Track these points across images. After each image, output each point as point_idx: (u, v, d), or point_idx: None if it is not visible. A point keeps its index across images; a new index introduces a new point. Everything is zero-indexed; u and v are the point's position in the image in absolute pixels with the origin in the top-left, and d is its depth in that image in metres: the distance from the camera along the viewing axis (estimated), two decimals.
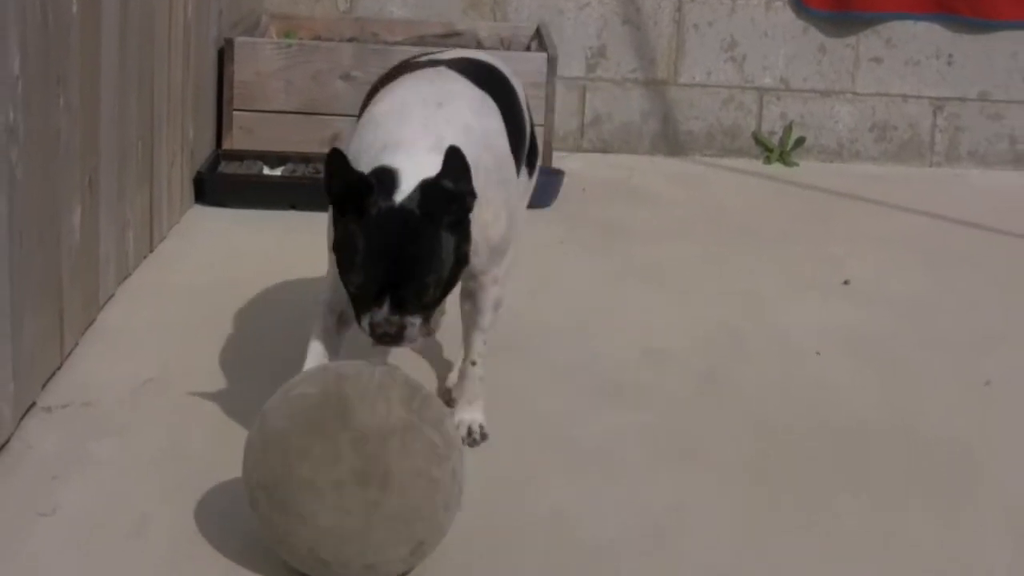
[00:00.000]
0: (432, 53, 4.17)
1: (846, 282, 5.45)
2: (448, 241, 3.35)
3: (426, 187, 3.31)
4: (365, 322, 3.35)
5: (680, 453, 3.89)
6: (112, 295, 4.73)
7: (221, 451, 3.66)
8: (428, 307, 3.37)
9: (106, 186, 4.62)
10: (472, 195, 3.33)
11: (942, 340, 4.89)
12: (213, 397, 3.99)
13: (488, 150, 3.56)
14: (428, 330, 3.42)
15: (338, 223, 3.38)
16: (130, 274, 4.97)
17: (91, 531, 3.33)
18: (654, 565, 3.27)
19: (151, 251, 5.29)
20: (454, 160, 3.28)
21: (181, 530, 3.32)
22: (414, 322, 3.35)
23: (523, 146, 3.92)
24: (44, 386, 3.95)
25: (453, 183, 3.30)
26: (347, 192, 3.32)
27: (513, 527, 3.36)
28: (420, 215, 3.30)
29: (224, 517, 3.36)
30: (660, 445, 3.92)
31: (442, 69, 3.79)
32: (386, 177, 3.36)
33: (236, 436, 3.72)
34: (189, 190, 6.01)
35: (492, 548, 3.26)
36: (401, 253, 3.30)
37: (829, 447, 3.95)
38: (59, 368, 4.08)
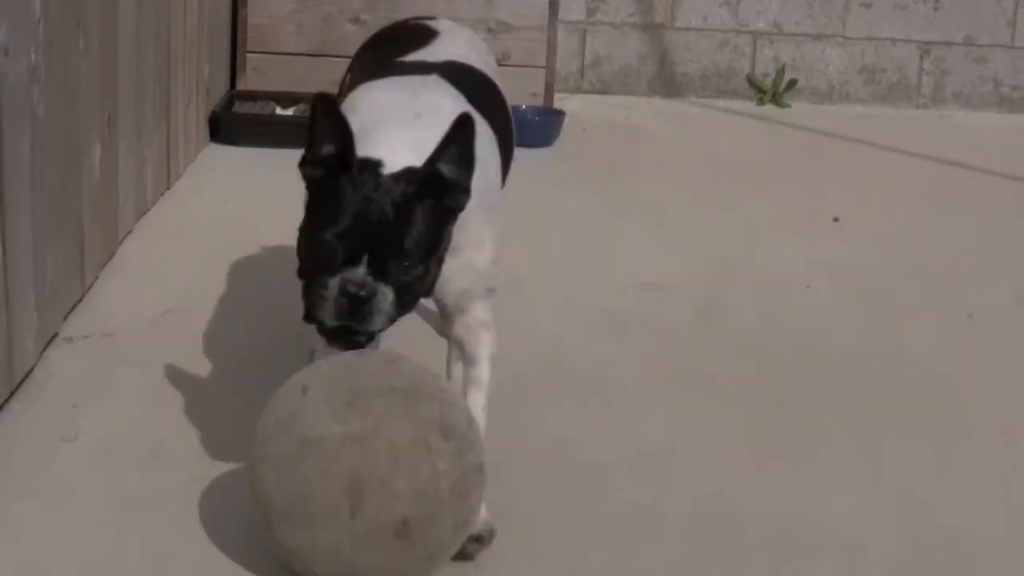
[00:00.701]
0: (424, 21, 3.78)
1: (836, 219, 5.45)
2: (435, 226, 2.92)
3: (423, 168, 2.89)
4: (335, 284, 2.85)
5: (676, 380, 3.89)
6: (131, 230, 4.73)
7: (237, 379, 3.69)
8: (403, 286, 2.87)
9: (125, 125, 4.61)
10: (467, 192, 2.92)
11: (926, 273, 4.90)
12: (228, 327, 4.00)
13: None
14: (392, 322, 2.90)
15: (318, 180, 2.98)
16: (148, 210, 4.97)
17: (111, 456, 3.34)
18: (651, 487, 3.28)
19: (168, 188, 5.29)
20: (460, 138, 2.90)
21: (198, 456, 3.33)
22: (387, 294, 2.85)
23: (508, 167, 3.46)
24: (66, 318, 3.95)
25: (452, 171, 2.91)
26: (339, 149, 2.92)
27: (515, 452, 3.36)
28: (412, 191, 2.87)
29: (239, 444, 3.37)
30: (657, 373, 3.92)
31: (433, 78, 3.26)
32: (371, 161, 2.93)
33: (251, 364, 3.75)
34: (204, 129, 6.01)
35: (495, 471, 3.26)
36: (387, 217, 2.85)
37: (818, 375, 3.96)
38: (80, 300, 4.08)
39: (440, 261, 2.99)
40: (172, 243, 4.73)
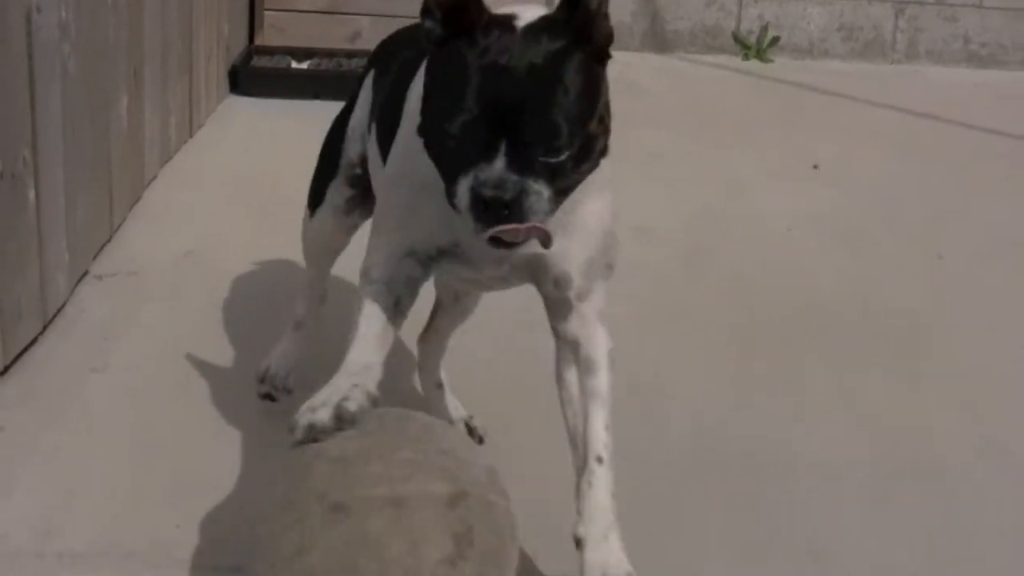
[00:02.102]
0: None
1: (815, 167, 5.44)
2: (590, 82, 2.19)
3: (562, 9, 2.19)
4: (464, 190, 2.15)
5: (665, 320, 3.89)
6: (155, 176, 4.72)
7: (255, 314, 3.69)
8: (557, 169, 2.16)
9: (150, 78, 4.60)
10: (609, 19, 2.21)
11: (900, 219, 4.89)
12: (247, 267, 3.99)
13: None
14: (551, 216, 2.18)
15: (437, 42, 2.23)
16: (172, 157, 4.96)
17: (138, 386, 3.34)
18: (641, 420, 3.28)
19: (191, 136, 5.28)
20: None
21: (219, 385, 3.32)
22: (540, 191, 2.15)
23: None
24: (95, 257, 3.94)
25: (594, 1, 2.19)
26: (455, 6, 2.19)
27: (511, 388, 3.36)
28: (557, 46, 2.16)
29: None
30: (647, 313, 3.91)
31: None
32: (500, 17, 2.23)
33: (268, 301, 3.75)
34: (224, 82, 6.00)
35: (496, 403, 3.27)
36: (525, 87, 2.14)
37: (799, 315, 3.96)
38: (108, 241, 4.07)
39: (605, 128, 2.26)
40: (194, 189, 4.71)
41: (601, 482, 2.39)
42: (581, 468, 2.42)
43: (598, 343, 2.44)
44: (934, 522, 2.97)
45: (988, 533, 2.95)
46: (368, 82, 3.02)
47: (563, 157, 2.15)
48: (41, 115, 3.40)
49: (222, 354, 3.50)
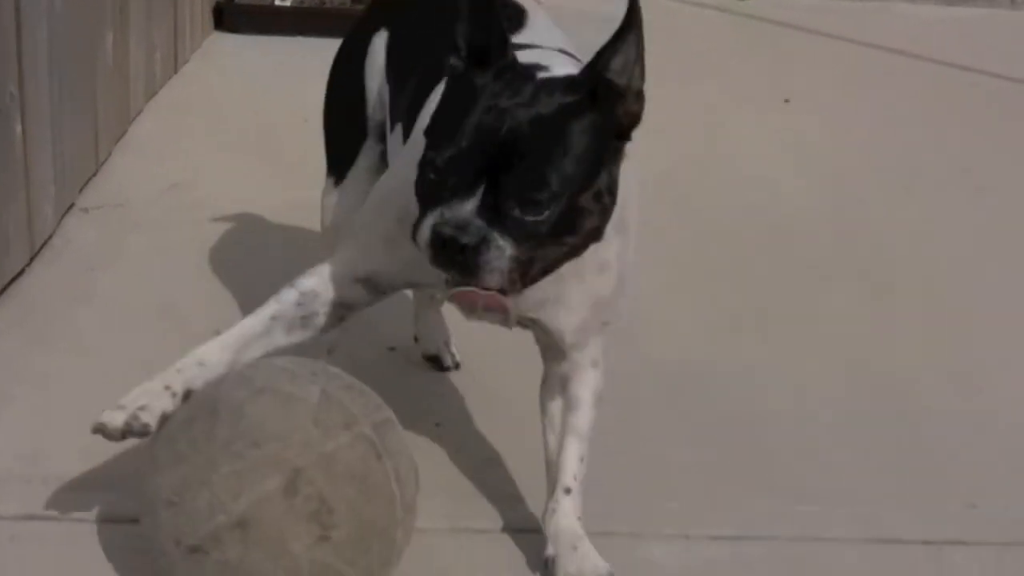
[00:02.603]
0: None
1: (786, 100, 5.42)
2: (594, 154, 2.06)
3: (587, 72, 2.10)
4: (428, 224, 2.02)
5: (649, 261, 3.88)
6: (141, 110, 4.69)
7: (238, 243, 3.70)
8: (531, 230, 2.01)
9: (135, 14, 4.56)
10: (642, 97, 2.13)
11: (869, 150, 4.88)
12: (229, 197, 3.97)
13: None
14: (513, 285, 2.04)
15: (455, 76, 2.14)
16: (157, 92, 4.93)
17: (124, 313, 3.34)
18: (627, 356, 3.27)
19: (175, 72, 5.24)
20: (633, 32, 2.10)
21: (204, 312, 3.31)
22: (502, 247, 2.00)
23: None
24: (82, 190, 3.92)
25: (625, 74, 2.10)
26: (484, 41, 2.10)
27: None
28: (568, 102, 2.06)
29: (241, 300, 3.37)
30: None
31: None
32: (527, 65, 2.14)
33: (252, 231, 3.75)
34: (209, 18, 5.96)
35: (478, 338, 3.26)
36: (521, 133, 2.03)
37: (772, 240, 3.95)
38: (95, 174, 4.05)
39: (603, 209, 2.09)
40: (179, 123, 4.69)
41: (566, 510, 2.39)
42: (550, 494, 2.42)
43: (586, 382, 2.40)
44: (902, 442, 3.00)
45: (953, 454, 2.96)
46: (380, 45, 2.75)
47: (539, 218, 2.00)
48: (28, 50, 3.38)
49: (205, 283, 3.50)
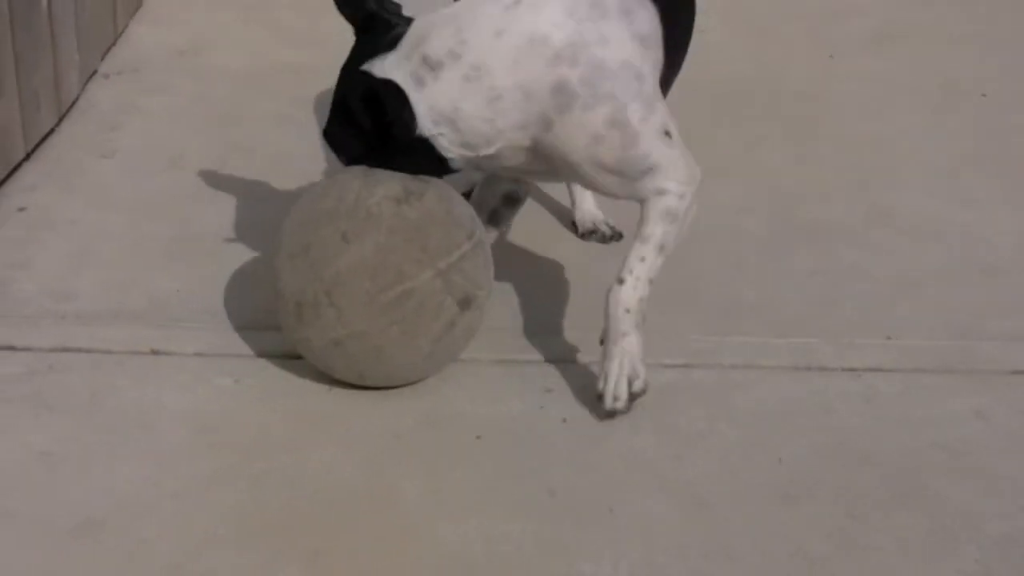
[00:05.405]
0: None
1: None
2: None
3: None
4: None
5: None
6: None
7: (245, 101, 3.66)
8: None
9: None
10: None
11: (798, 14, 4.77)
12: (234, 62, 3.90)
13: (575, 64, 2.30)
14: None
15: None
16: None
17: (142, 165, 3.30)
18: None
19: None
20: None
21: (211, 164, 3.27)
22: None
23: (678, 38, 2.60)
24: (103, 57, 3.83)
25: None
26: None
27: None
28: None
29: (244, 151, 3.32)
30: None
31: None
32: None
33: (252, 91, 3.72)
34: None
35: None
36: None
37: (712, 100, 3.86)
38: (114, 43, 3.95)
39: None
40: None
41: (616, 298, 2.39)
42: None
43: (653, 206, 2.39)
44: (823, 268, 2.99)
45: (871, 280, 2.95)
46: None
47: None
48: None
49: (214, 136, 3.45)
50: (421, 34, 2.34)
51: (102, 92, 3.66)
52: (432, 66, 2.31)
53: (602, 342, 2.43)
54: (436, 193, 2.40)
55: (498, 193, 2.68)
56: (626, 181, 2.39)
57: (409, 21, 2.39)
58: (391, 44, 2.35)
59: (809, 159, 3.52)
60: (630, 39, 2.35)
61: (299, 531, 2.12)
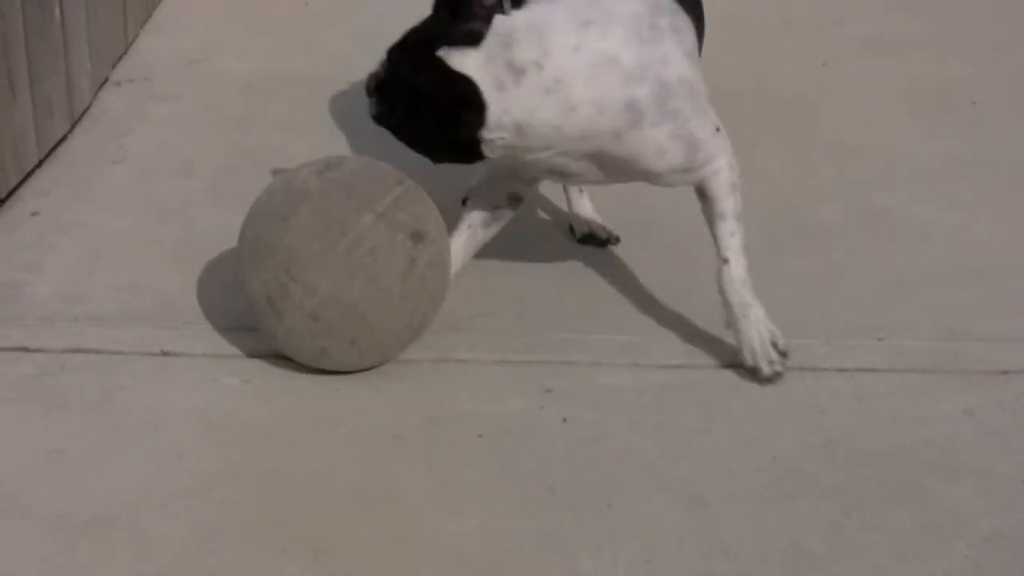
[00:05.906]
0: None
1: None
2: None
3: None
4: None
5: None
6: None
7: (254, 111, 3.64)
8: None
9: None
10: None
11: (792, 23, 4.77)
12: (242, 71, 3.89)
13: (643, 83, 2.38)
14: None
15: None
16: None
17: (152, 172, 3.30)
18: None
19: None
20: None
21: (218, 168, 3.28)
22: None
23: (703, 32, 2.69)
24: (113, 66, 3.83)
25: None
26: None
27: None
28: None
29: (257, 157, 3.31)
30: None
31: None
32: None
33: (259, 100, 3.70)
34: None
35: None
36: None
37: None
38: (125, 52, 3.95)
39: None
40: (201, 4, 4.57)
41: (728, 277, 2.51)
42: (717, 270, 2.54)
43: (715, 184, 2.52)
44: (816, 270, 2.98)
45: (863, 282, 2.95)
46: None
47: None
48: None
49: (222, 143, 3.44)
50: (507, 38, 2.34)
51: (113, 100, 3.66)
52: (515, 73, 2.33)
53: (728, 326, 2.53)
54: (355, 159, 2.62)
55: (503, 192, 2.67)
56: (686, 175, 2.50)
57: (489, 17, 2.35)
58: (471, 39, 2.35)
59: (802, 164, 3.52)
60: (683, 56, 2.44)
61: (304, 528, 2.12)
